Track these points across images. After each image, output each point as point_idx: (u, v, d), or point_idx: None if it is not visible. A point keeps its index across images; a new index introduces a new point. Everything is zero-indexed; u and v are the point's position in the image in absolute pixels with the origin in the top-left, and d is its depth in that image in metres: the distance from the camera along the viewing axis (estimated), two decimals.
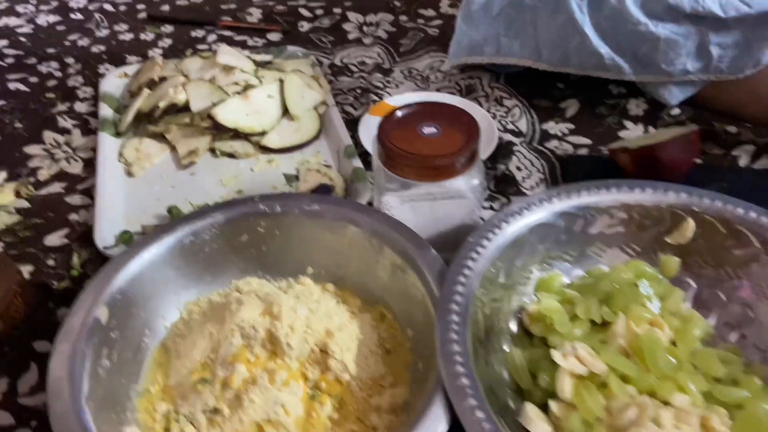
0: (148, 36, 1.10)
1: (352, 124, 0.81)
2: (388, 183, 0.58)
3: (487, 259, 0.53)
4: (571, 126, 0.83)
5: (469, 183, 0.58)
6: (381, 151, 0.57)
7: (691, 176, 0.68)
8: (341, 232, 0.58)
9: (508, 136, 0.81)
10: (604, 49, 0.78)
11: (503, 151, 0.78)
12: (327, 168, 0.76)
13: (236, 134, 0.79)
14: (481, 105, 0.86)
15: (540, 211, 0.57)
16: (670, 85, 0.79)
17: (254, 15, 1.15)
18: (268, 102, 0.81)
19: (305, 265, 0.59)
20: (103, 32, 1.12)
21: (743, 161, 0.75)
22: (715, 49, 0.74)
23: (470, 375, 0.44)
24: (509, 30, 0.84)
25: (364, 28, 1.08)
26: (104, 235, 0.66)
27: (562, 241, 0.58)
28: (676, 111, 0.82)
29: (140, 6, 1.21)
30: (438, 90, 0.92)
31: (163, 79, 0.85)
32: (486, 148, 0.76)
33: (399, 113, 0.60)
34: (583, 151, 0.79)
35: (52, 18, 1.18)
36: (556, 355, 0.49)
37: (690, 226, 0.57)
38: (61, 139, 0.85)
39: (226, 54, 0.86)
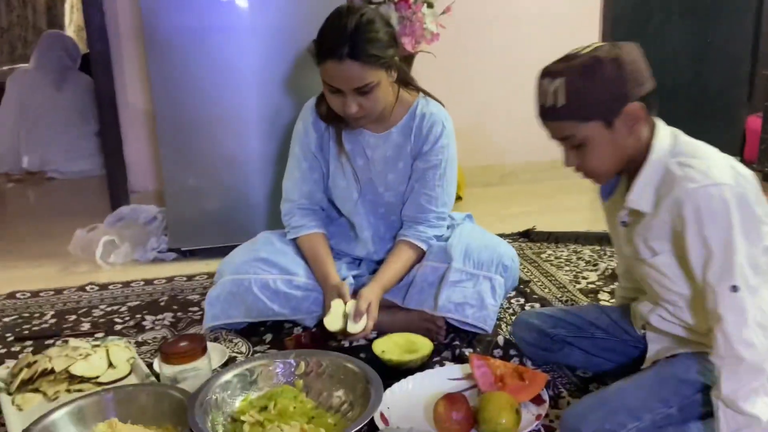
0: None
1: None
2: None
3: (205, 392, 1.23)
4: None
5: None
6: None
7: None
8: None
9: None
10: None
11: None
12: None
13: (82, 380, 1.43)
14: None
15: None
16: None
17: (84, 325, 1.83)
18: (99, 360, 1.48)
19: None
20: None
21: None
22: None
23: None
24: None
25: None
26: None
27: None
28: None
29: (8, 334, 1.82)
30: None
31: (33, 362, 1.48)
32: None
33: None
34: None
35: None
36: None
37: None
38: None
39: (75, 341, 1.53)
